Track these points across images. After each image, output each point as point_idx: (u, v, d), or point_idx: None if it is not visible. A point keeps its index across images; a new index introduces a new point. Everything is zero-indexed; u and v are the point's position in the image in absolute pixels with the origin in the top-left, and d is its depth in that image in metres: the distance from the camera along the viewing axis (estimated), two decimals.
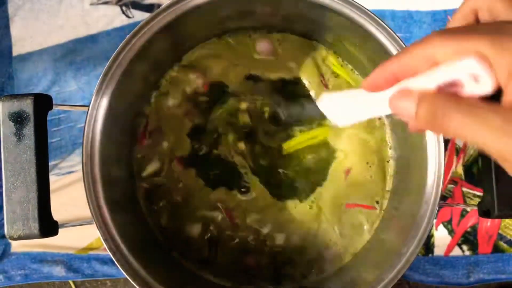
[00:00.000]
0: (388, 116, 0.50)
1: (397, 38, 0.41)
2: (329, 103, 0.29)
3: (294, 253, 0.49)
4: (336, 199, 0.49)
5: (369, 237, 0.49)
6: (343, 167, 0.50)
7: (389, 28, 0.41)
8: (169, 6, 0.41)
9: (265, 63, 0.51)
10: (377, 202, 0.49)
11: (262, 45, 0.51)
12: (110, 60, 0.41)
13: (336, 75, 0.51)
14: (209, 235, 0.49)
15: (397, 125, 0.49)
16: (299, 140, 0.50)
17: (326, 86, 0.50)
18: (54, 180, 0.59)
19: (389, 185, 0.50)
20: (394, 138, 0.50)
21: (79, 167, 0.59)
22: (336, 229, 0.49)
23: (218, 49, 0.51)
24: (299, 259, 0.49)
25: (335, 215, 0.49)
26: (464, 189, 0.59)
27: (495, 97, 0.22)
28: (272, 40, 0.51)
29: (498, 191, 0.38)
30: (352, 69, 0.51)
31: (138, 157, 0.49)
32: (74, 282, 0.60)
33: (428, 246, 0.58)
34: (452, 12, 0.59)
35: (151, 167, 0.49)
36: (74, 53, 0.60)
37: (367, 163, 0.50)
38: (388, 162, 0.50)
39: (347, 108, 0.29)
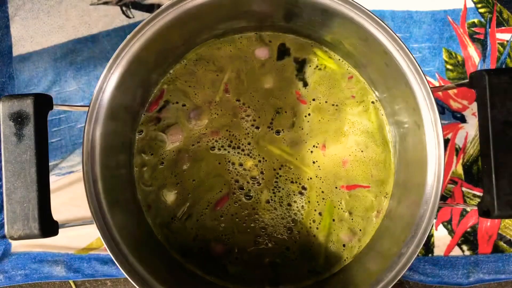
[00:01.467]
0: (388, 117, 0.50)
1: (397, 38, 0.41)
2: None
3: (291, 252, 0.49)
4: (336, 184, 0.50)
5: (372, 236, 0.49)
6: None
7: (389, 28, 0.41)
8: (169, 6, 0.41)
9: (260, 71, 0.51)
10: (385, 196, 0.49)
11: (260, 51, 0.51)
12: (110, 60, 0.41)
13: (321, 67, 0.51)
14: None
15: (396, 125, 0.49)
16: None
17: (303, 102, 0.50)
18: (54, 180, 0.59)
19: (390, 186, 0.50)
20: (394, 139, 0.50)
21: (79, 167, 0.59)
22: (343, 224, 0.49)
23: (217, 49, 0.51)
24: (296, 258, 0.49)
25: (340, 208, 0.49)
26: (464, 189, 0.59)
27: None
28: (269, 47, 0.51)
29: (498, 191, 0.38)
30: (339, 59, 0.51)
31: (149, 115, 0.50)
32: (74, 282, 0.60)
33: (428, 246, 0.58)
34: (452, 12, 0.59)
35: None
36: (74, 53, 0.60)
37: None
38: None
39: None
